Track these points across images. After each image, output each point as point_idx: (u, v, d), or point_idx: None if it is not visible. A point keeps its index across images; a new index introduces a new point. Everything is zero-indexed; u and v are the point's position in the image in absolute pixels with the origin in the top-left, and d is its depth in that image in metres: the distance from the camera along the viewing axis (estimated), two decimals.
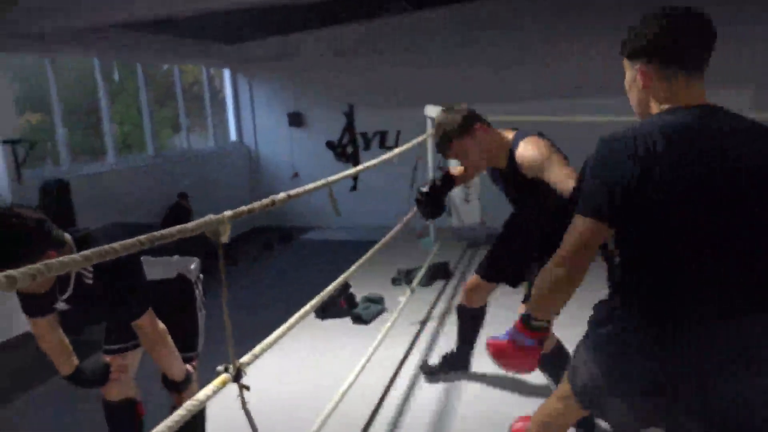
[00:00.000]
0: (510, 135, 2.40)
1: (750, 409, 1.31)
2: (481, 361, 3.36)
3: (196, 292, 2.31)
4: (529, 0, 7.27)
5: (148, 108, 7.31)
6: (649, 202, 1.27)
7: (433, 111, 6.08)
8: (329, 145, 8.55)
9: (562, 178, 2.11)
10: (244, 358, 1.70)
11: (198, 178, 7.76)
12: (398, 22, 7.77)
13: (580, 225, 1.32)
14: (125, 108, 8.01)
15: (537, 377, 2.76)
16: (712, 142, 1.28)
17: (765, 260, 1.31)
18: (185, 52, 7.86)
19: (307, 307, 2.28)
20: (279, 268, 6.56)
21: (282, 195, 2.00)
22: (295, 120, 8.54)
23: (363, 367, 2.96)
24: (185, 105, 8.00)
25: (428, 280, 4.90)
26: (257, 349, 1.82)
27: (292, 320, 2.14)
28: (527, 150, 2.28)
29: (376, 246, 3.23)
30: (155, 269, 2.10)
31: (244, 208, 1.72)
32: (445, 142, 2.47)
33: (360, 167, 3.02)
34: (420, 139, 4.42)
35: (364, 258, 3.02)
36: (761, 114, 5.07)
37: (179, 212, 6.83)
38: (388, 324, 3.53)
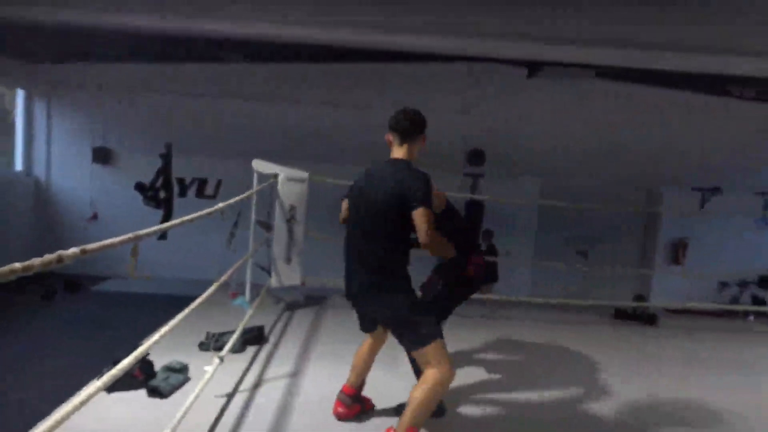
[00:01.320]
0: None
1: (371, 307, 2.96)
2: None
3: None
4: (377, 73, 7.59)
5: None
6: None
7: (261, 166, 5.87)
8: (139, 186, 7.75)
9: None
10: None
11: None
12: (231, 68, 7.53)
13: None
14: None
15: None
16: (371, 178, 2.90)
17: (373, 242, 2.81)
18: None
19: (98, 384, 1.86)
20: (61, 324, 5.54)
21: (73, 251, 1.63)
22: (101, 156, 7.63)
23: None
24: None
25: (241, 346, 4.52)
26: None
27: (76, 400, 1.72)
28: None
29: (189, 307, 2.85)
30: None
31: (17, 265, 1.33)
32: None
33: (185, 218, 2.68)
34: (247, 194, 4.15)
35: (171, 324, 2.62)
36: (545, 201, 5.75)
37: None
38: (191, 397, 3.09)
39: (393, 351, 3.67)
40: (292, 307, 6.17)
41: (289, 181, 5.89)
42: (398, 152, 2.88)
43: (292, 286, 6.17)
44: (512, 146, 7.83)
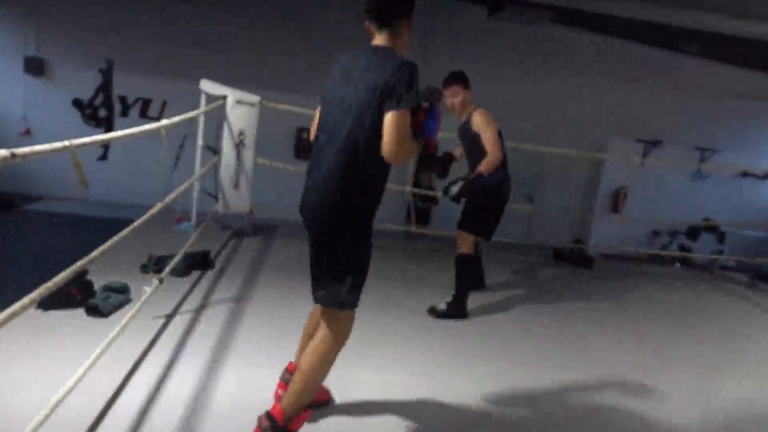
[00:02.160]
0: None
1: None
2: (230, 361, 3.14)
3: None
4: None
5: None
6: None
7: (209, 86, 5.62)
8: (77, 103, 7.31)
9: (492, 142, 3.88)
10: None
11: None
12: None
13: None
14: None
15: None
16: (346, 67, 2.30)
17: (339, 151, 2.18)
18: None
19: (26, 300, 1.79)
20: None
21: (2, 153, 1.50)
22: (34, 67, 7.09)
23: (91, 365, 2.48)
24: None
25: (185, 269, 4.46)
26: None
27: (2, 315, 1.66)
28: (481, 113, 4.01)
29: (130, 227, 2.75)
30: None
31: None
32: (455, 82, 4.00)
33: (118, 133, 2.54)
34: (192, 114, 3.97)
35: (111, 241, 2.53)
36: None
37: None
38: (128, 316, 3.05)
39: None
40: (239, 234, 6.10)
41: (238, 104, 5.68)
42: (378, 40, 2.27)
43: (239, 214, 6.08)
44: None
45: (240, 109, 5.69)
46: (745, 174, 8.89)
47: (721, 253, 7.82)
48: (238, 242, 5.82)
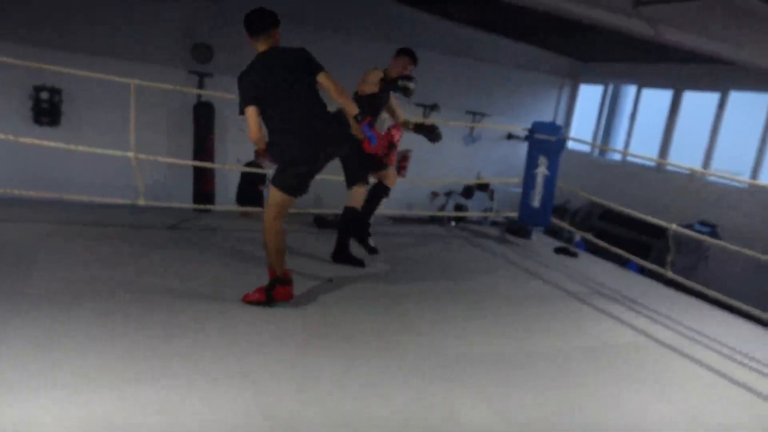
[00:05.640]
0: None
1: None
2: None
3: None
4: None
5: None
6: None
7: None
8: None
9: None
10: None
11: None
12: None
13: None
14: None
15: None
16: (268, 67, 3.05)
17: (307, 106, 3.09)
18: None
19: None
20: None
21: None
22: None
23: None
24: None
25: None
26: None
27: None
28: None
29: None
30: None
31: None
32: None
33: None
34: None
35: None
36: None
37: None
38: None
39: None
40: None
41: None
42: (266, 44, 3.10)
43: None
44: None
45: None
46: (510, 136, 9.77)
47: (491, 209, 8.45)
48: None
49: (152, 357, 2.50)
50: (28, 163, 6.04)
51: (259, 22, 3.00)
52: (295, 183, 3.08)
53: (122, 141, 4.43)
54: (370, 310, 3.40)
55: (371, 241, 4.18)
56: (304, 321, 3.10)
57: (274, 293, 3.09)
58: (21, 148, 5.09)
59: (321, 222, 5.17)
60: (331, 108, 3.22)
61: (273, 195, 3.11)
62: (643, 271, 5.27)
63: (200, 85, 7.26)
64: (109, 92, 5.79)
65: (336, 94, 3.03)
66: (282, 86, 3.00)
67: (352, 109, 3.11)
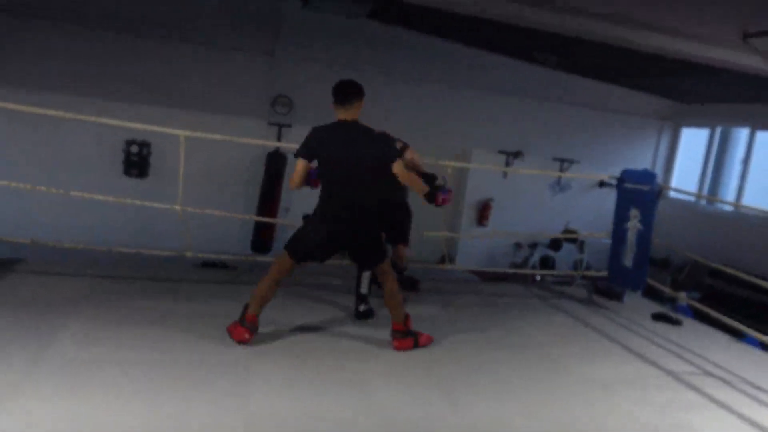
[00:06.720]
0: None
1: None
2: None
3: None
4: None
5: None
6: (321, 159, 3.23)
7: None
8: None
9: None
10: None
11: None
12: None
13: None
14: None
15: None
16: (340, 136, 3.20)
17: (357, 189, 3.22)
18: None
19: None
20: None
21: None
22: None
23: None
24: None
25: None
26: None
27: None
28: None
29: None
30: None
31: None
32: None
33: None
34: None
35: None
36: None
37: None
38: None
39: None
40: None
41: None
42: (346, 115, 3.19)
43: None
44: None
45: None
46: (602, 183, 9.02)
47: (581, 262, 7.74)
48: None
49: None
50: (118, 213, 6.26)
51: (346, 93, 3.16)
52: (300, 244, 3.20)
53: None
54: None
55: (362, 307, 3.92)
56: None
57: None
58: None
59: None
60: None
61: (281, 253, 3.25)
62: (765, 346, 4.41)
63: (279, 136, 7.34)
64: (193, 144, 5.92)
65: (406, 180, 3.17)
66: (347, 163, 3.13)
67: (424, 188, 3.24)
